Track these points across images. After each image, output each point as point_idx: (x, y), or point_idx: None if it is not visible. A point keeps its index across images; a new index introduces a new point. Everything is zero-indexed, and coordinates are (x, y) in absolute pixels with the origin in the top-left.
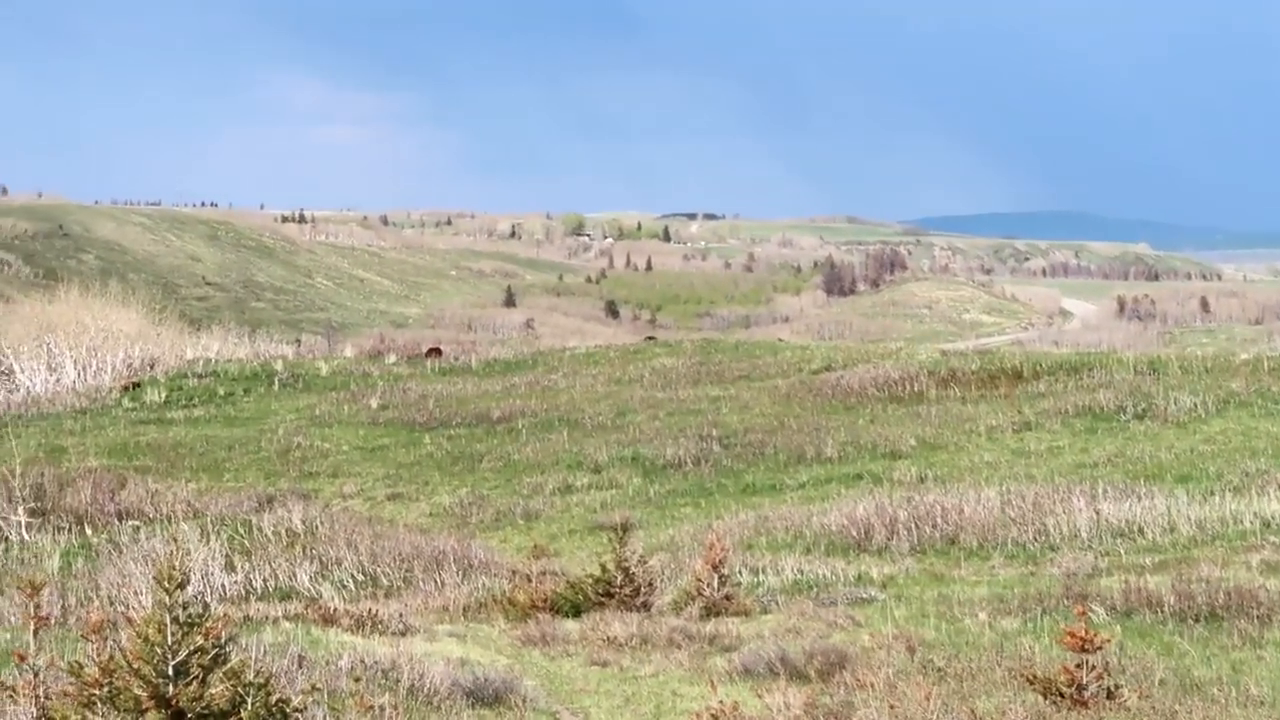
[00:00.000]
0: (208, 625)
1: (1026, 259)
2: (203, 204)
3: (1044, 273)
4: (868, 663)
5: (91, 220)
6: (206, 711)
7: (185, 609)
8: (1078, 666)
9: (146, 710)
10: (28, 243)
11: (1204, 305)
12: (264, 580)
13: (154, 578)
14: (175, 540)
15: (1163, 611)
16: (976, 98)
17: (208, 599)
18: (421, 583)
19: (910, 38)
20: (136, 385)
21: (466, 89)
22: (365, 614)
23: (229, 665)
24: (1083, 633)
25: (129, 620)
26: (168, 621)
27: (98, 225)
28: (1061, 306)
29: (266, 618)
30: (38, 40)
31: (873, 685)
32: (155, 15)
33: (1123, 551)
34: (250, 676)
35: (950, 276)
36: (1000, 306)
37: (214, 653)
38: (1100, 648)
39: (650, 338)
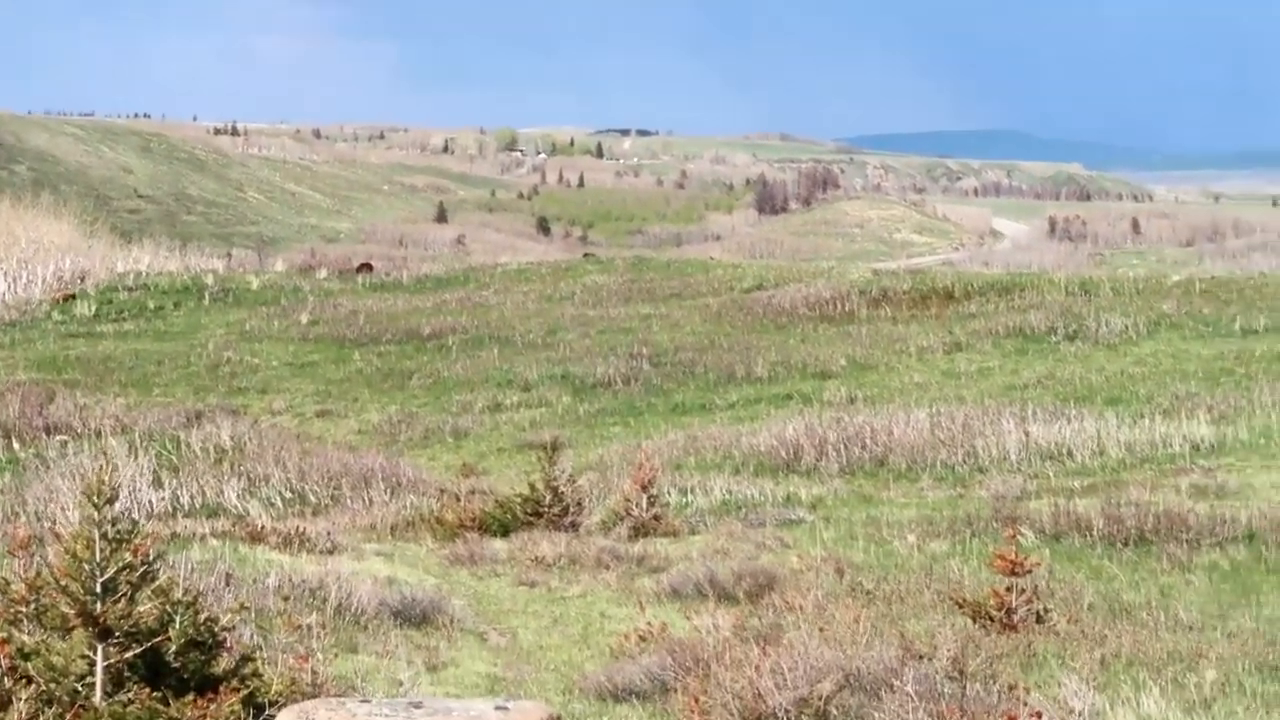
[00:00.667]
0: (136, 542)
1: (959, 178)
2: (136, 115)
3: (976, 192)
4: (796, 585)
5: (24, 130)
6: (134, 629)
7: (114, 525)
8: (1007, 590)
9: (73, 627)
10: None
11: (1135, 226)
12: (191, 497)
13: (82, 493)
14: (105, 455)
15: (1091, 535)
16: (915, 14)
17: (135, 515)
18: (350, 501)
19: None
20: (72, 297)
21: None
22: (293, 532)
23: (157, 583)
24: (1012, 556)
25: (56, 536)
26: (96, 538)
27: (30, 135)
28: (992, 226)
29: (194, 535)
30: None
31: (801, 608)
32: None
33: (1052, 474)
34: (178, 595)
35: (882, 195)
36: (931, 226)
37: (142, 570)
38: (1030, 571)
39: (588, 255)
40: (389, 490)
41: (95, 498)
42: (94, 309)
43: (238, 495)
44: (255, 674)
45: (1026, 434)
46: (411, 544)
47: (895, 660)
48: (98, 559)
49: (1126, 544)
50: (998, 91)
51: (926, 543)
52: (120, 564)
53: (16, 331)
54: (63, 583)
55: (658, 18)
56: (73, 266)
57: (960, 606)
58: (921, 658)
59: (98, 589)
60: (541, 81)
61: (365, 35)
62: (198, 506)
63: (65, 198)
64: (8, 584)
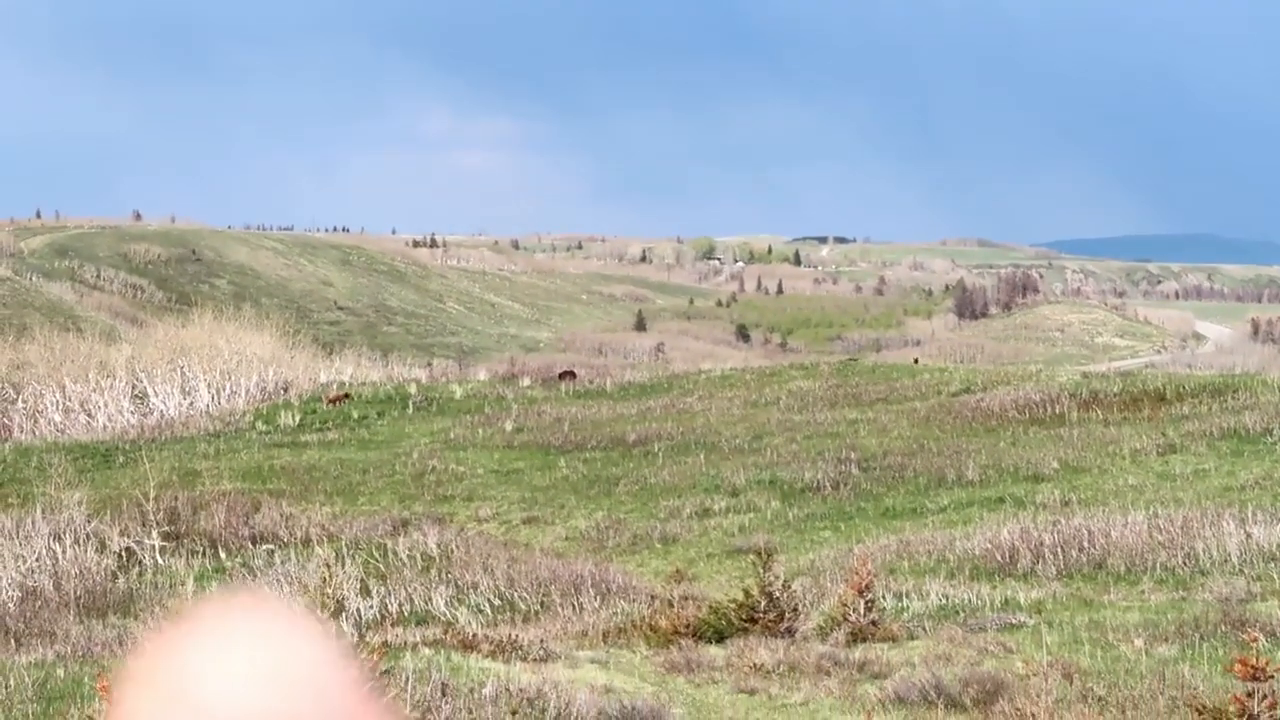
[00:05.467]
0: (362, 657)
1: (1159, 281)
2: (334, 229)
3: (1176, 295)
4: (1025, 691)
5: (224, 245)
6: None
7: (338, 640)
8: (1249, 695)
9: None
10: (161, 268)
11: None
12: (400, 605)
13: (305, 606)
14: (328, 566)
15: None
16: (1111, 120)
17: (344, 625)
18: (559, 607)
19: (1045, 61)
20: (347, 396)
21: (597, 113)
22: (505, 640)
23: (384, 701)
24: (1254, 660)
25: None
26: None
27: (230, 250)
28: (1194, 329)
29: (405, 644)
30: (171, 67)
31: (1034, 716)
32: (289, 43)
33: (1276, 576)
34: (406, 711)
35: (1082, 299)
36: (1133, 329)
37: (369, 687)
38: (1271, 676)
39: (852, 359)
40: (599, 597)
41: (320, 610)
42: (297, 419)
43: (446, 603)
44: None
45: (1248, 535)
46: (625, 651)
47: None
48: None
49: None
50: (1197, 195)
51: (1154, 647)
52: None
53: (221, 442)
54: None
55: (855, 127)
56: (275, 377)
57: (1199, 713)
58: None
59: None
60: (739, 192)
61: (562, 148)
62: (406, 614)
63: (266, 310)
64: None
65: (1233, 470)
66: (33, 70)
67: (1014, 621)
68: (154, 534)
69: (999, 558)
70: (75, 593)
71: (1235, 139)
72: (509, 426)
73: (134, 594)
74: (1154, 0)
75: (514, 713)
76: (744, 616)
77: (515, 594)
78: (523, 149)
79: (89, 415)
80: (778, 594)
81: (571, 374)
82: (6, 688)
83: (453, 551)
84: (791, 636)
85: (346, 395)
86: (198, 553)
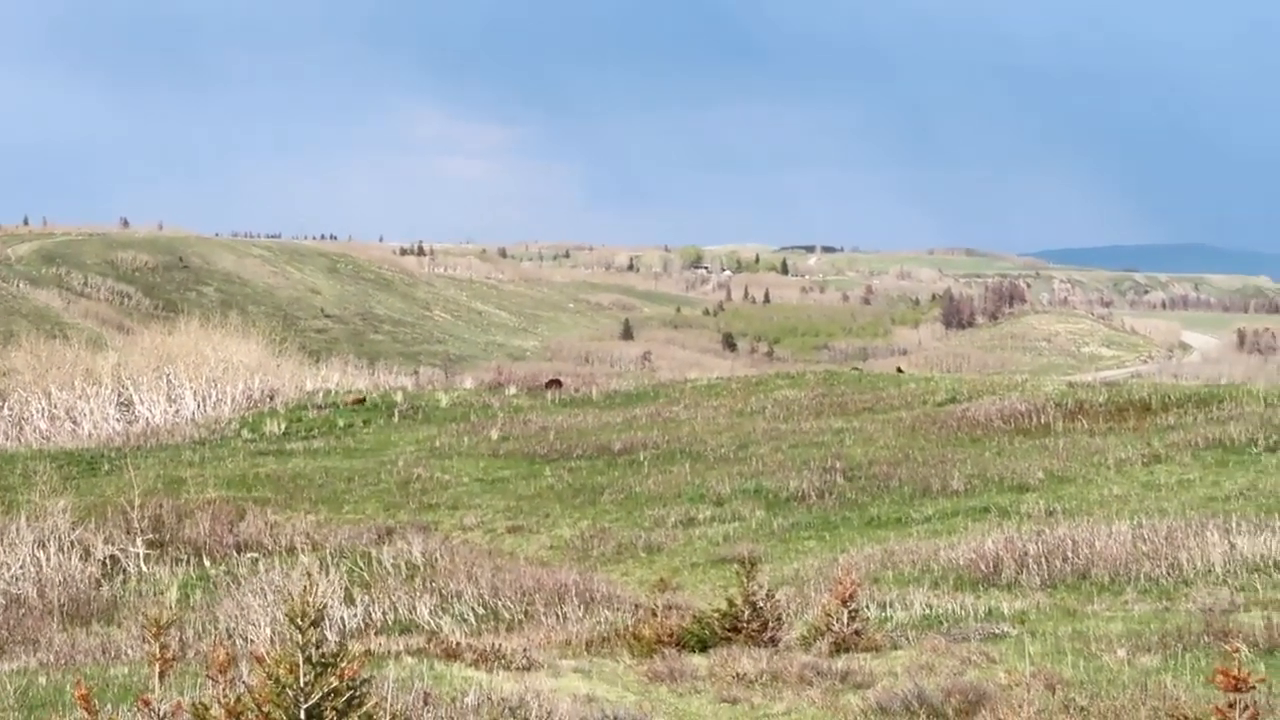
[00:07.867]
0: (343, 666)
1: (1146, 291)
2: (322, 236)
3: (1163, 305)
4: (1008, 701)
5: (211, 252)
6: None
7: (318, 648)
8: (1230, 706)
9: None
10: (148, 275)
11: None
12: (384, 613)
13: (285, 615)
14: (309, 575)
15: None
16: (1098, 130)
17: (328, 633)
18: (543, 616)
19: (1034, 69)
20: (362, 401)
21: (587, 121)
22: (489, 648)
23: (364, 709)
24: (1235, 671)
25: (257, 659)
26: (300, 661)
27: (217, 257)
28: (1181, 339)
29: (388, 652)
30: (159, 72)
31: None
32: (277, 48)
33: (1259, 587)
34: None
35: (1069, 309)
36: (1119, 339)
37: (349, 695)
38: (1253, 687)
39: (855, 368)
40: (583, 606)
41: (299, 620)
42: (283, 427)
43: (430, 611)
44: None
45: (1232, 546)
46: (608, 660)
47: None
48: (301, 684)
49: None
50: (1183, 205)
51: (1136, 657)
52: (325, 689)
53: (206, 449)
54: (265, 709)
55: (844, 136)
56: (261, 385)
57: None
58: None
59: (301, 715)
60: (727, 200)
61: (551, 156)
62: (390, 623)
63: (253, 318)
64: (206, 709)
65: (1217, 480)
66: (20, 75)
67: (997, 632)
68: (138, 542)
69: (983, 568)
70: (59, 600)
71: (1227, 149)
72: (494, 435)
73: (118, 602)
74: (1145, 10)
75: None
76: (727, 626)
77: (499, 603)
78: (511, 156)
79: (75, 423)
80: (761, 603)
81: (558, 382)
82: None
83: (437, 560)
84: (775, 646)
85: (364, 399)
86: (182, 560)
